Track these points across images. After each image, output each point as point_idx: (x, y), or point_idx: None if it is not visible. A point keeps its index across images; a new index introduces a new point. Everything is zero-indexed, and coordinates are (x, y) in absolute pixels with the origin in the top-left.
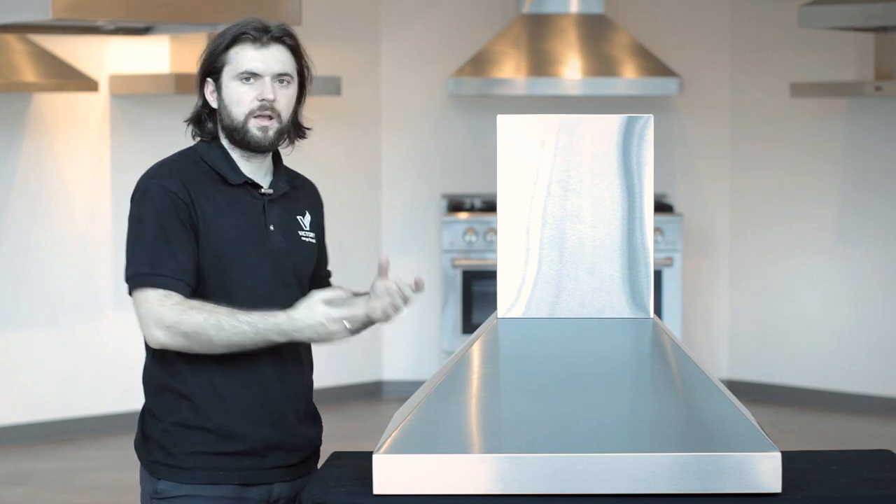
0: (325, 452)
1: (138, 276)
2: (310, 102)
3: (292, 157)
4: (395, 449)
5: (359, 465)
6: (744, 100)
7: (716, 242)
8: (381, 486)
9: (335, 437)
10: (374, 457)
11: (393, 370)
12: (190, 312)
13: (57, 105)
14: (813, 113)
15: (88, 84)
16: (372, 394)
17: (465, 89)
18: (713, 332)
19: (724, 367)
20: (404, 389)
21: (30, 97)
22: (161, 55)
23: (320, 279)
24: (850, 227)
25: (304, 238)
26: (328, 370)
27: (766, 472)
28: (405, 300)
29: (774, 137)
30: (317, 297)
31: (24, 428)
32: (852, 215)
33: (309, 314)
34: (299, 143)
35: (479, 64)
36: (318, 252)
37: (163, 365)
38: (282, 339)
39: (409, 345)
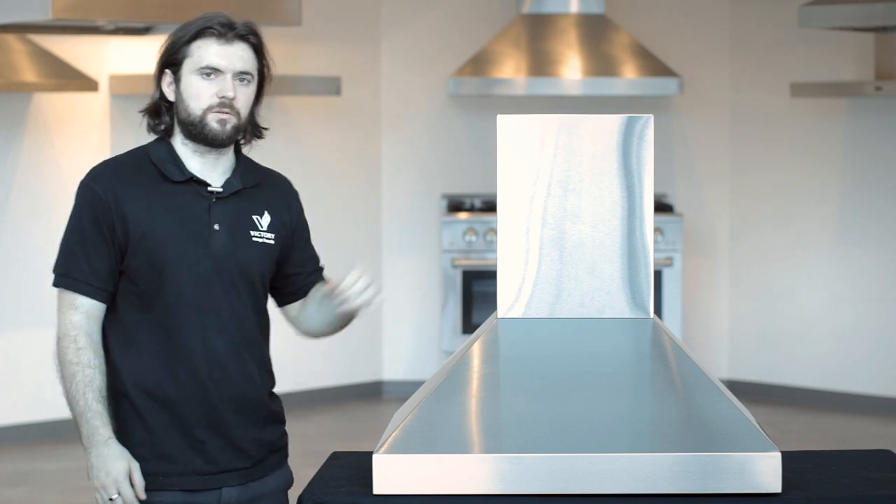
0: (325, 452)
1: (56, 276)
2: (310, 102)
3: (291, 156)
4: (395, 449)
5: (359, 465)
6: (744, 100)
7: (716, 242)
8: (381, 486)
9: (335, 437)
10: (374, 457)
11: (393, 370)
12: (69, 346)
13: (57, 105)
14: (813, 113)
15: (88, 84)
16: (372, 394)
17: (465, 89)
18: (713, 332)
19: (724, 367)
20: (404, 389)
21: (30, 97)
22: None
23: (298, 277)
24: (850, 227)
25: (255, 239)
26: (328, 370)
27: (766, 472)
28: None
29: (774, 137)
30: (128, 470)
31: (24, 428)
32: (852, 215)
33: (105, 464)
34: (298, 142)
35: (479, 64)
36: (286, 251)
37: (108, 363)
38: (87, 450)
39: (409, 345)
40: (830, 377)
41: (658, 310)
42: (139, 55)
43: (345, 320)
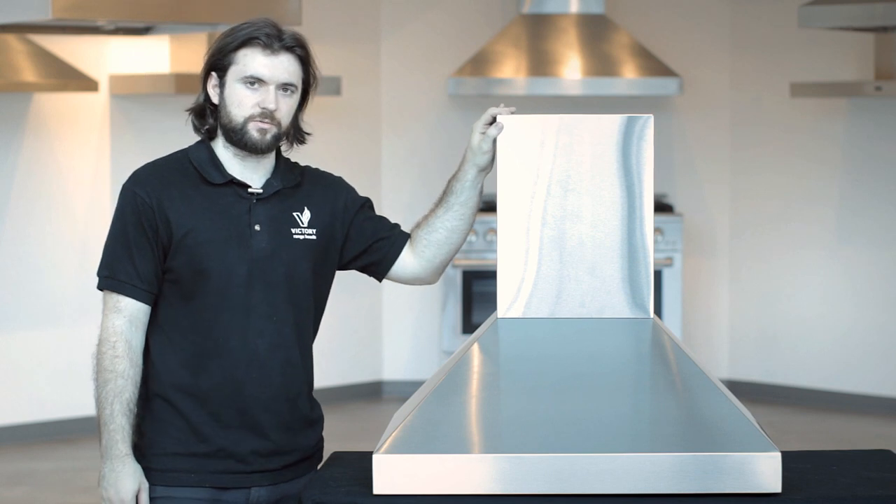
0: (325, 452)
1: (100, 278)
2: (310, 102)
3: (291, 156)
4: (395, 449)
5: (359, 465)
6: (744, 100)
7: (716, 242)
8: (381, 486)
9: (335, 437)
10: (374, 457)
11: (393, 370)
12: (108, 353)
13: (57, 105)
14: (813, 113)
15: (88, 84)
16: (372, 394)
17: (465, 89)
18: (713, 332)
19: (724, 367)
20: (404, 389)
21: (30, 97)
22: (161, 55)
23: (386, 240)
24: (850, 227)
25: (297, 237)
26: (328, 370)
27: (766, 472)
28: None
29: (774, 137)
30: (137, 490)
31: (24, 428)
32: (852, 215)
33: (116, 480)
34: (299, 144)
35: (479, 64)
36: (352, 231)
37: (146, 361)
38: (103, 459)
39: (409, 345)
40: (830, 377)
41: (658, 310)
42: (139, 55)
43: (473, 206)
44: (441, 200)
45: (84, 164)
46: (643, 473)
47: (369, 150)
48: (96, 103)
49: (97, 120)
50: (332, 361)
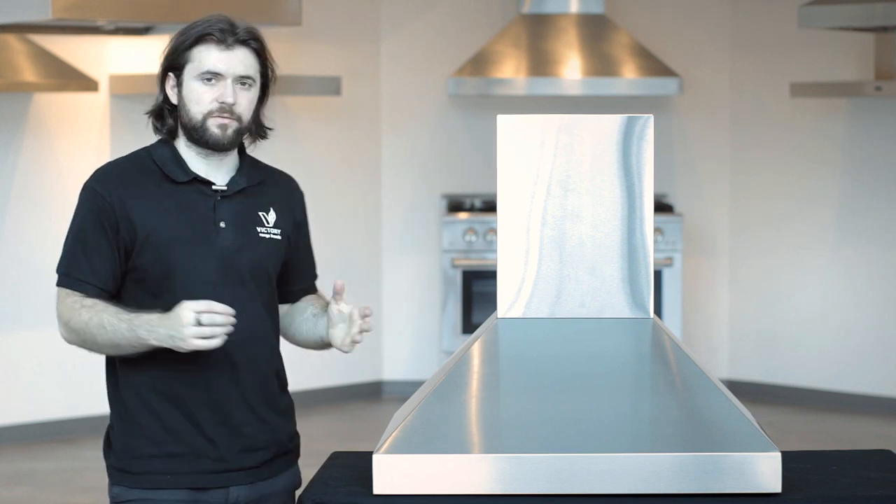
0: (325, 452)
1: (58, 275)
2: (310, 102)
3: (291, 156)
4: (395, 449)
5: (359, 465)
6: (744, 100)
7: (716, 242)
8: (381, 486)
9: (335, 437)
10: (374, 457)
11: (393, 370)
12: (80, 311)
13: (57, 105)
14: (813, 113)
15: (88, 84)
16: (372, 394)
17: (465, 89)
18: (713, 332)
19: (724, 367)
20: (404, 389)
21: (30, 97)
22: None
23: (295, 281)
24: (850, 227)
25: (263, 235)
26: (328, 370)
27: (766, 472)
28: (362, 332)
29: (774, 137)
30: (187, 305)
31: (24, 428)
32: (852, 215)
33: (170, 320)
34: (298, 142)
35: (479, 64)
36: (290, 251)
37: (112, 366)
38: (153, 340)
39: (409, 345)
40: (830, 377)
41: (658, 310)
42: (139, 55)
43: (325, 346)
44: (316, 317)
45: (84, 164)
46: (643, 473)
47: (369, 150)
48: (96, 103)
49: (97, 120)
50: (332, 361)
